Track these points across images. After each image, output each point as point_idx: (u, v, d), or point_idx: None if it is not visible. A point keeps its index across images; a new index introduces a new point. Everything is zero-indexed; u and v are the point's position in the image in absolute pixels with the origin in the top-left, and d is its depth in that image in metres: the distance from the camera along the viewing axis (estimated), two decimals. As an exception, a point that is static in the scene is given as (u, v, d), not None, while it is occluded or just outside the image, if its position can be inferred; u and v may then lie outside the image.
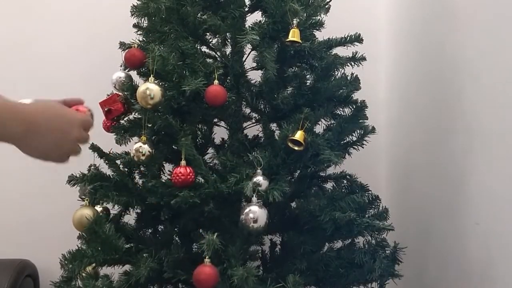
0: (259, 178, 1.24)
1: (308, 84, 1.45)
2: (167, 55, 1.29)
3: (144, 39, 1.45)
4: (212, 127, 1.55)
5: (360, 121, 1.48)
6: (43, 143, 0.73)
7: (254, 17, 1.43)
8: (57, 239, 1.66)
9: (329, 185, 1.57)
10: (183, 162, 1.27)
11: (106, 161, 1.41)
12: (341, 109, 1.51)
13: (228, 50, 1.48)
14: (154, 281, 1.36)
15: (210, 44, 1.50)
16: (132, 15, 1.46)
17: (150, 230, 1.47)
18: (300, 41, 1.32)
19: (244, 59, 1.46)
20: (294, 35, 1.31)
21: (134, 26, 1.49)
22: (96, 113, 1.46)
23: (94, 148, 1.42)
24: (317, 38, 1.49)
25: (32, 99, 0.78)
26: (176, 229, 1.41)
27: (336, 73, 1.47)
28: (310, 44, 1.42)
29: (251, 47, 1.43)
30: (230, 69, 1.42)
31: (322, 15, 1.47)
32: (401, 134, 1.96)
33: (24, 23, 2.03)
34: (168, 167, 1.43)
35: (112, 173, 1.40)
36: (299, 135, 1.28)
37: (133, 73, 1.47)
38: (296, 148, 1.29)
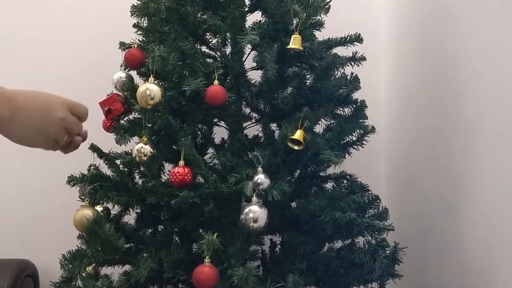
0: (261, 176, 1.23)
1: (308, 84, 1.45)
2: (167, 55, 1.29)
3: (144, 39, 1.45)
4: (212, 127, 1.55)
5: (360, 120, 1.48)
6: (27, 125, 0.71)
7: (254, 17, 1.43)
8: (57, 239, 1.66)
9: (329, 185, 1.56)
10: (181, 162, 1.27)
11: (106, 161, 1.42)
12: (341, 109, 1.51)
13: (228, 50, 1.48)
14: (154, 281, 1.36)
15: (210, 44, 1.50)
16: (132, 15, 1.46)
17: (150, 230, 1.47)
18: (301, 48, 1.32)
19: (244, 59, 1.46)
20: (295, 42, 1.31)
21: (134, 26, 1.49)
22: (96, 113, 1.47)
23: (94, 148, 1.43)
24: (317, 38, 1.49)
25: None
26: (176, 229, 1.41)
27: (336, 73, 1.47)
28: (310, 44, 1.42)
29: (251, 47, 1.43)
30: (230, 69, 1.42)
31: (322, 15, 1.47)
32: (401, 134, 1.96)
33: (24, 23, 2.03)
34: (168, 167, 1.43)
35: (112, 173, 1.40)
36: (298, 134, 1.28)
37: (133, 73, 1.47)
38: (296, 147, 1.29)
